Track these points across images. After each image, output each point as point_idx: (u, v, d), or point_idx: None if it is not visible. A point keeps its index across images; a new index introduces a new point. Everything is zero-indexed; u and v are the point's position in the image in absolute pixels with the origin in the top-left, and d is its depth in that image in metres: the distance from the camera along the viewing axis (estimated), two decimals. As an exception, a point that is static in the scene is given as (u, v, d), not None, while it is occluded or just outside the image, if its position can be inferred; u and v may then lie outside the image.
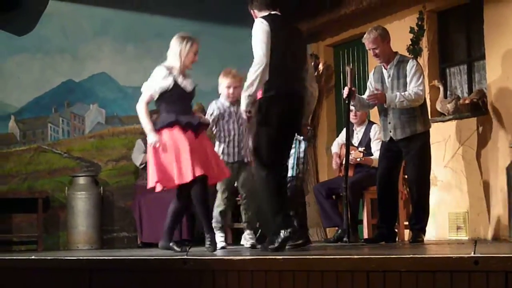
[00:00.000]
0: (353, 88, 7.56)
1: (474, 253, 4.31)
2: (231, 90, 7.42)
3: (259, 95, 6.19)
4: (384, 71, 7.56)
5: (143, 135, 9.82)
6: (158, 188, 6.80)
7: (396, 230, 7.89)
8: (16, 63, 9.96)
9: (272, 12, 6.34)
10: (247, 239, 7.50)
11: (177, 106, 6.80)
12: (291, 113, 6.21)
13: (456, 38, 8.79)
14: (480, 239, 7.81)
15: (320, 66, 10.35)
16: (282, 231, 6.01)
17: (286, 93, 6.19)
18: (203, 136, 6.87)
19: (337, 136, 8.94)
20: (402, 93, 7.30)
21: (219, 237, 7.28)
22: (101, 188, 9.77)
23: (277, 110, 6.11)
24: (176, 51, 6.87)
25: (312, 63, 10.36)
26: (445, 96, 8.57)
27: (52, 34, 10.09)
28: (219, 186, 7.37)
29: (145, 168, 9.49)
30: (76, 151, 10.07)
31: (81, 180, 9.64)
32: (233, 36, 10.54)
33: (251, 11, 6.51)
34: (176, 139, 6.67)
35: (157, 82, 6.78)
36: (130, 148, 9.95)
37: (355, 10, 9.27)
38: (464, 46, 8.68)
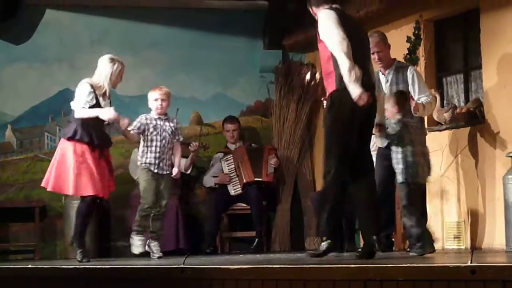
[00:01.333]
0: None
1: (471, 263, 4.31)
2: (159, 103, 7.90)
3: (333, 87, 6.04)
4: (382, 76, 7.56)
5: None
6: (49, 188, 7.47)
7: (393, 239, 7.88)
8: (13, 71, 9.95)
9: (334, 6, 6.17)
10: None
11: (92, 121, 7.39)
12: (367, 111, 6.07)
13: (452, 47, 8.80)
14: (477, 249, 7.81)
15: (317, 75, 10.37)
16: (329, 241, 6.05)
17: (363, 84, 5.97)
18: (106, 151, 7.61)
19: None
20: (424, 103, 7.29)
21: (138, 241, 7.84)
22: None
23: (351, 104, 5.92)
24: (106, 73, 7.45)
25: (309, 72, 10.40)
26: (442, 105, 8.58)
27: (49, 43, 10.09)
28: (142, 194, 7.91)
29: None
30: (73, 160, 10.04)
31: (78, 189, 9.61)
32: (229, 46, 10.56)
33: (310, 8, 6.33)
34: (83, 154, 7.33)
35: (86, 97, 7.37)
36: (127, 157, 9.94)
37: (352, 20, 9.28)
38: (460, 55, 8.70)
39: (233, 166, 9.74)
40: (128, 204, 9.79)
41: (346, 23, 6.02)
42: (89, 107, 7.32)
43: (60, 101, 10.08)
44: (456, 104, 8.53)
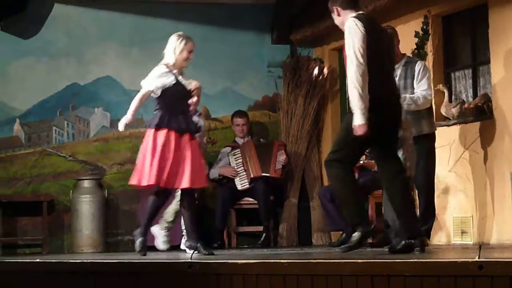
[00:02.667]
0: None
1: (478, 258, 4.31)
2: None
3: None
4: None
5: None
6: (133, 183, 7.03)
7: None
8: (21, 66, 9.96)
9: (360, 12, 6.09)
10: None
11: (178, 105, 6.92)
12: (391, 117, 6.06)
13: (461, 43, 8.79)
14: (484, 244, 7.80)
15: (325, 70, 10.36)
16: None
17: (386, 95, 6.00)
18: (194, 141, 7.01)
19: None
20: (411, 96, 7.28)
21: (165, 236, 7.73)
22: (106, 191, 9.78)
23: (375, 114, 5.86)
24: (171, 49, 7.02)
25: (317, 67, 10.39)
26: (450, 100, 8.56)
27: (57, 38, 10.10)
28: None
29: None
30: (80, 155, 10.07)
31: (86, 184, 9.64)
32: (237, 41, 10.56)
33: (334, 8, 6.17)
34: (164, 141, 6.82)
35: (158, 78, 6.90)
36: (135, 151, 9.91)
37: (360, 14, 9.27)
38: (469, 50, 8.68)
39: (240, 160, 9.74)
40: (136, 199, 9.81)
41: (371, 29, 5.95)
42: (166, 88, 6.91)
43: (68, 95, 10.12)
44: (464, 99, 8.52)
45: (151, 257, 6.66)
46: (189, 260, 5.36)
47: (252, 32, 10.68)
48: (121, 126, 6.99)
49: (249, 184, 9.71)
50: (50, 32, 10.06)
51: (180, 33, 7.13)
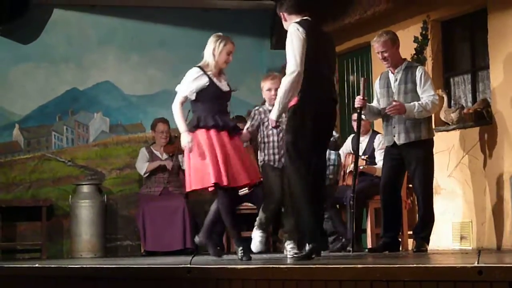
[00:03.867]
0: (365, 98, 7.56)
1: (478, 263, 4.30)
2: (272, 92, 7.17)
3: (294, 101, 6.18)
4: (391, 75, 7.55)
5: (147, 144, 9.88)
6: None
7: (400, 240, 7.87)
8: (20, 71, 9.98)
9: (304, 18, 6.32)
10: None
11: (214, 105, 6.76)
12: (326, 118, 6.29)
13: (460, 48, 8.80)
14: (484, 249, 7.80)
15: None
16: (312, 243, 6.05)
17: (323, 98, 6.25)
18: (237, 138, 6.83)
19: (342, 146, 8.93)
20: (419, 103, 7.29)
21: (259, 237, 7.31)
22: (105, 196, 9.78)
23: (313, 116, 6.15)
24: (209, 50, 6.84)
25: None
26: (449, 106, 8.58)
27: (56, 43, 10.12)
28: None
29: (149, 176, 9.54)
30: (80, 160, 10.08)
31: (85, 189, 9.64)
32: (236, 46, 10.47)
33: (281, 14, 6.48)
34: (211, 140, 6.62)
35: (192, 82, 6.75)
36: (134, 156, 9.95)
37: (359, 20, 9.29)
38: (468, 56, 8.69)
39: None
40: (135, 204, 9.81)
41: (314, 39, 6.19)
42: (200, 90, 6.70)
43: (68, 101, 10.13)
44: (464, 105, 8.52)
45: (150, 262, 6.65)
46: (188, 265, 5.35)
47: (251, 37, 10.69)
48: (188, 143, 6.66)
49: (249, 190, 9.69)
50: (49, 37, 10.07)
51: (219, 34, 6.96)
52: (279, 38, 10.67)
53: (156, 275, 5.55)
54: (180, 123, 6.73)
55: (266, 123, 7.17)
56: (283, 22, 6.48)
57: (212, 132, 6.63)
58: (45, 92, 10.04)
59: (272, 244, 9.83)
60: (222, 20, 10.50)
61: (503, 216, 7.79)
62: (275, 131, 7.13)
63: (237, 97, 10.54)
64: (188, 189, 6.75)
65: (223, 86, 6.81)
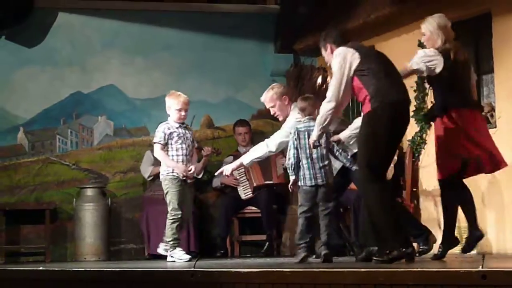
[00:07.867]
0: None
1: (482, 268, 4.30)
2: (182, 113, 7.75)
3: (367, 108, 6.01)
4: None
5: (151, 147, 9.87)
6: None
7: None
8: (25, 74, 9.99)
9: (350, 43, 6.28)
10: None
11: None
12: (402, 123, 6.09)
13: (464, 52, 8.78)
14: (488, 254, 7.79)
15: (329, 79, 10.35)
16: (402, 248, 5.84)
17: (397, 102, 6.02)
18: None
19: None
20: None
21: (180, 251, 7.65)
22: (109, 199, 9.78)
23: (388, 121, 5.92)
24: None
25: (321, 76, 10.38)
26: (453, 110, 8.55)
27: (61, 46, 10.13)
28: (173, 204, 7.71)
29: (153, 180, 9.53)
30: (84, 163, 10.09)
31: (89, 192, 9.65)
32: (240, 50, 10.58)
33: (327, 45, 6.39)
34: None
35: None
36: (138, 160, 9.96)
37: (363, 24, 9.28)
38: (472, 60, 8.64)
39: (243, 170, 9.71)
40: (139, 207, 9.81)
41: (368, 53, 6.17)
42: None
43: (72, 104, 10.14)
44: (468, 109, 8.50)
45: (154, 265, 6.66)
46: (192, 269, 5.36)
47: (255, 41, 10.70)
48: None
49: (253, 193, 9.70)
50: (54, 41, 10.09)
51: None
52: (283, 42, 10.70)
53: (160, 278, 5.55)
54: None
55: (176, 138, 7.75)
56: (324, 54, 6.43)
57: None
58: (49, 96, 10.05)
59: (276, 248, 9.83)
60: (226, 23, 10.52)
61: (507, 221, 7.78)
62: (184, 145, 7.75)
63: (241, 101, 10.60)
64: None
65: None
